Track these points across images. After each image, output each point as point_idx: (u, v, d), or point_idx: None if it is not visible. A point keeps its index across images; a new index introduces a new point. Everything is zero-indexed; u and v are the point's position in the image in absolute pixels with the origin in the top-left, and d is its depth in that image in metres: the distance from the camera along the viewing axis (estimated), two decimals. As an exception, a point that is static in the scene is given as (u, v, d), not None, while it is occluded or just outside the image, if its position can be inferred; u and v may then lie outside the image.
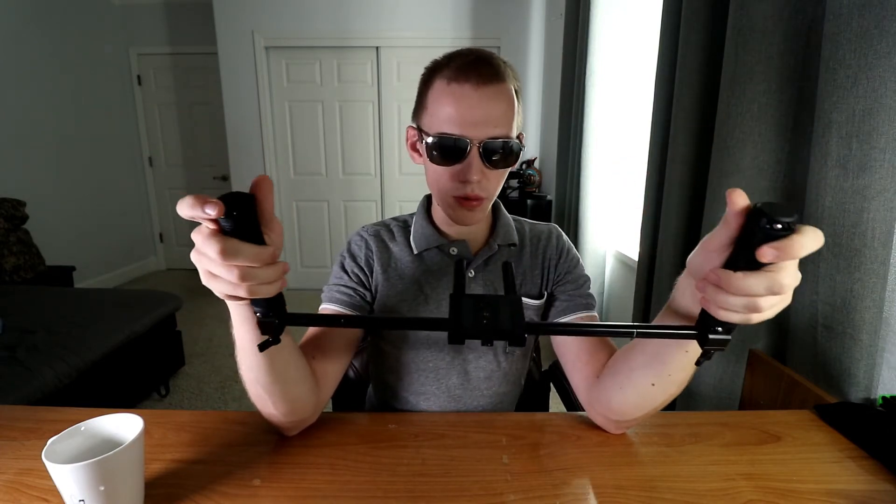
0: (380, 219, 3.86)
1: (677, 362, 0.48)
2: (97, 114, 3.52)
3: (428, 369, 0.71)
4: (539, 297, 0.72)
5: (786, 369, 0.80)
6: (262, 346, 0.44)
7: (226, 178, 3.80)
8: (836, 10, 0.69)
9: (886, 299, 0.70)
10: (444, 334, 0.70)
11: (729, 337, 0.40)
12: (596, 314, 0.71)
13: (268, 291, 0.40)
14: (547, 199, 2.91)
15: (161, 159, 4.03)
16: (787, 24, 0.82)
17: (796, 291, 0.75)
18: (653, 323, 0.48)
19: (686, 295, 0.45)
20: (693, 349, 0.47)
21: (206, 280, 0.38)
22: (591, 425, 0.62)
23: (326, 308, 0.68)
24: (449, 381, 0.72)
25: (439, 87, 0.61)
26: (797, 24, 0.81)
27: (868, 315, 0.70)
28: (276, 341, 0.44)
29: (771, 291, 0.35)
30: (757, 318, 0.37)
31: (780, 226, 0.33)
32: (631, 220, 1.98)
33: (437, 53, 0.66)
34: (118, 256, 3.76)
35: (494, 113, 0.59)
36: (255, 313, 0.44)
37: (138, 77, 3.86)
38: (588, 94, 1.98)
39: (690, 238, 1.14)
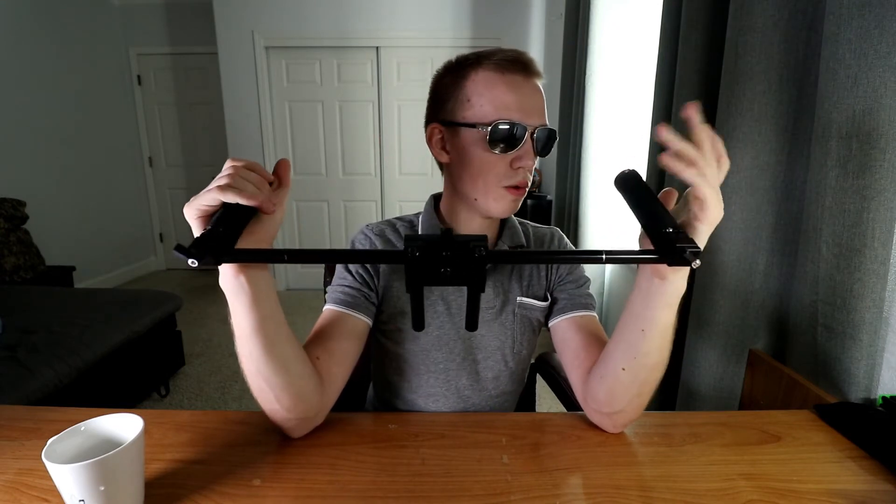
0: (380, 219, 3.85)
1: (640, 344, 0.53)
2: (97, 114, 3.52)
3: (438, 370, 0.71)
4: (545, 298, 0.73)
5: (786, 369, 0.80)
6: (180, 248, 0.41)
7: (226, 178, 3.80)
8: (836, 10, 0.69)
9: (886, 299, 0.70)
10: (455, 336, 0.71)
11: (695, 246, 0.43)
12: (595, 314, 0.71)
13: (248, 189, 0.44)
14: (547, 199, 2.91)
15: (161, 159, 4.03)
16: (787, 24, 0.82)
17: (796, 291, 0.77)
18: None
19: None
20: (649, 329, 0.52)
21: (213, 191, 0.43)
22: (591, 425, 0.62)
23: (330, 309, 0.67)
24: (459, 381, 0.72)
25: (488, 77, 0.62)
26: (797, 24, 0.81)
27: (868, 315, 0.70)
28: (200, 257, 0.42)
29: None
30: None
31: None
32: (631, 220, 1.98)
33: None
34: (118, 256, 3.76)
35: (541, 103, 0.64)
36: (209, 225, 0.44)
37: (138, 77, 3.86)
38: (588, 94, 1.98)
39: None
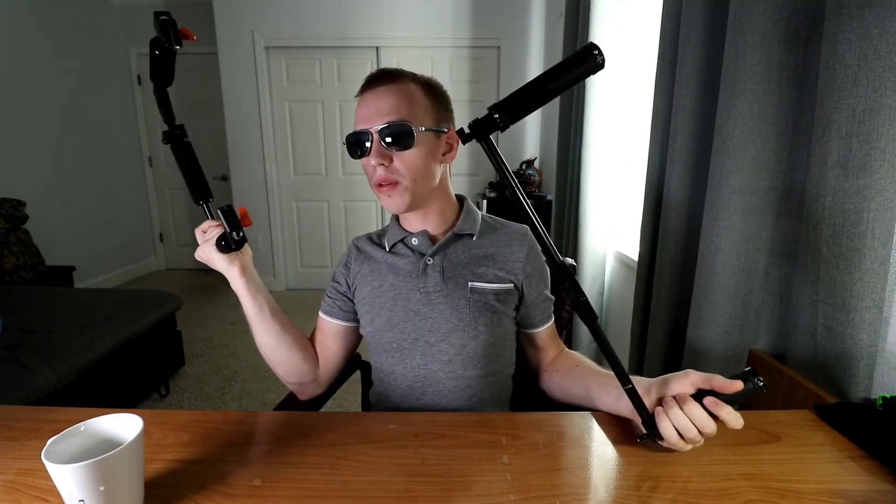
0: (379, 219, 3.85)
1: (602, 403, 0.66)
2: (97, 114, 3.52)
3: (393, 349, 0.76)
4: (501, 281, 0.76)
5: (786, 369, 0.80)
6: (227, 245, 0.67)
7: (226, 178, 3.80)
8: (836, 10, 0.69)
9: (886, 299, 0.70)
10: (404, 318, 0.76)
11: (654, 438, 0.54)
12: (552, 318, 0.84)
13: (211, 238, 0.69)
14: (547, 199, 2.91)
15: (161, 159, 4.03)
16: (787, 24, 0.82)
17: (796, 291, 0.77)
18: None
19: (656, 391, 0.57)
20: (616, 399, 0.62)
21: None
22: (592, 425, 0.62)
23: (319, 316, 0.83)
24: (413, 361, 0.75)
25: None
26: (797, 24, 0.81)
27: (868, 315, 0.70)
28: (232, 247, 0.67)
29: (703, 427, 0.51)
30: (678, 442, 0.52)
31: (762, 382, 0.52)
32: (631, 220, 1.98)
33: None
34: (118, 256, 3.76)
35: (385, 105, 0.69)
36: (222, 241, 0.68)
37: (138, 77, 3.86)
38: (588, 95, 1.98)
39: (690, 238, 1.14)
